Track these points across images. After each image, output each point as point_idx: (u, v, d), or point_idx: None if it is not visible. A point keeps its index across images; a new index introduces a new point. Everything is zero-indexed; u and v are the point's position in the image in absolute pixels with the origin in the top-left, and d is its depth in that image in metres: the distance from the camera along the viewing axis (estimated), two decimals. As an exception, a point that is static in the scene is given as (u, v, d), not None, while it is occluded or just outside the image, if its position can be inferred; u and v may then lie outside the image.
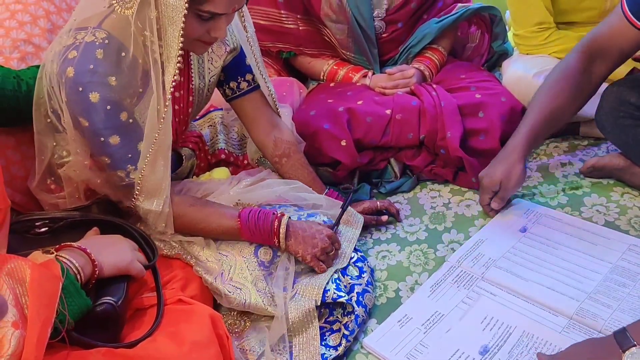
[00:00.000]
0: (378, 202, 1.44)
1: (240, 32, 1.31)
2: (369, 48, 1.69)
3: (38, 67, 1.19)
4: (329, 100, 1.56)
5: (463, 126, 1.50)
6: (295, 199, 1.34)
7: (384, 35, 1.70)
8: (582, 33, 1.65)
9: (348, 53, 1.73)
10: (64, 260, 0.89)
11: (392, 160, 1.57)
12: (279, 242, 1.18)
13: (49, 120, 1.18)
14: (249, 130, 1.43)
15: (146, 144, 1.11)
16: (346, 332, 1.14)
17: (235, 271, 1.21)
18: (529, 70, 1.58)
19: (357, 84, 1.69)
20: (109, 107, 1.06)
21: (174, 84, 1.07)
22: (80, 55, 1.05)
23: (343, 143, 1.48)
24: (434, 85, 1.60)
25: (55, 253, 0.89)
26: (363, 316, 1.18)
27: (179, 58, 1.06)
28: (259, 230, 1.19)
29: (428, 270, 1.29)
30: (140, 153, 1.12)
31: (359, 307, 1.17)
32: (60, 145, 1.21)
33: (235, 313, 1.22)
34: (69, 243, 0.93)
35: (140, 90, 1.11)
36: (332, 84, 1.71)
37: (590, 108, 1.40)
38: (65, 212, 1.17)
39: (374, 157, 1.55)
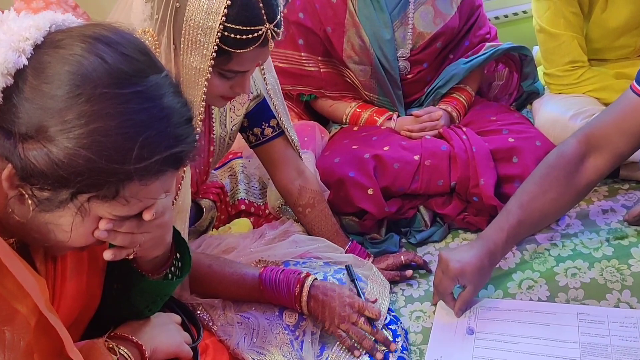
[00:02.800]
0: (402, 257, 1.36)
1: (263, 82, 1.26)
2: (393, 90, 1.63)
3: None
4: (354, 147, 1.49)
5: (496, 172, 1.42)
6: (320, 254, 1.27)
7: (408, 76, 1.64)
8: (616, 70, 1.60)
9: (371, 95, 1.67)
10: (123, 356, 0.87)
11: (421, 208, 1.49)
12: (300, 308, 1.10)
13: None
14: (272, 177, 1.37)
15: None
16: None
17: (259, 335, 1.13)
18: (565, 113, 1.50)
19: (382, 127, 1.62)
20: None
21: (202, 155, 1.01)
22: None
23: (370, 192, 1.41)
24: (464, 128, 1.53)
25: (114, 346, 0.87)
26: None
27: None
28: (280, 294, 1.11)
29: (466, 332, 1.19)
30: None
31: None
32: None
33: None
34: (124, 334, 0.90)
35: None
36: (355, 128, 1.64)
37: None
38: None
39: (402, 206, 1.47)
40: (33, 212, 0.67)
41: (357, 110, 1.67)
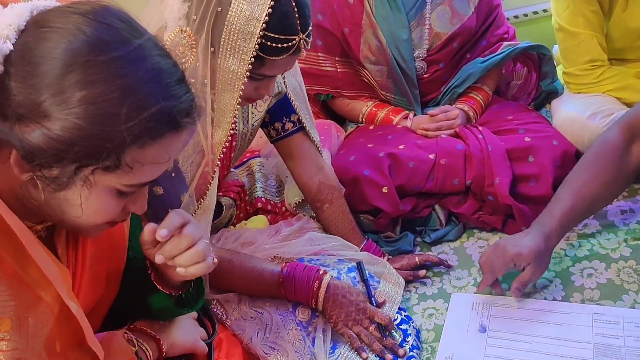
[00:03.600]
0: (416, 257, 1.36)
1: (282, 83, 1.29)
2: (410, 89, 1.63)
3: None
4: (369, 145, 1.50)
5: (512, 171, 1.41)
6: (335, 252, 1.29)
7: (425, 75, 1.65)
8: (638, 69, 1.57)
9: (388, 94, 1.67)
10: (141, 349, 0.89)
11: (436, 207, 1.49)
12: (316, 304, 1.12)
13: None
14: (292, 171, 1.39)
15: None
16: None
17: (272, 330, 1.15)
18: (583, 112, 1.48)
19: (398, 126, 1.63)
20: None
21: (224, 150, 1.03)
22: None
23: (384, 190, 1.42)
24: (480, 128, 1.52)
25: (133, 338, 0.89)
26: None
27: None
28: (298, 289, 1.13)
29: (479, 331, 1.19)
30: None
31: None
32: None
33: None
34: (142, 327, 0.93)
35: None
36: (371, 127, 1.65)
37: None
38: None
39: (417, 204, 1.47)
40: (46, 194, 0.69)
41: (374, 109, 1.67)
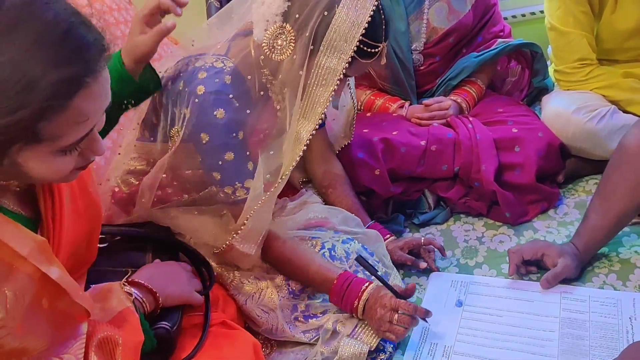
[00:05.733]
0: (422, 239, 1.39)
1: None
2: (407, 79, 1.71)
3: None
4: (364, 130, 1.59)
5: (498, 160, 1.49)
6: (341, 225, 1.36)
7: (421, 67, 1.72)
8: (625, 70, 1.64)
9: (385, 84, 1.76)
10: (138, 300, 0.94)
11: (426, 191, 1.58)
12: (356, 314, 1.17)
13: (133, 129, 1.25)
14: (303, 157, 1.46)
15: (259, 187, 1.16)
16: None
17: (266, 295, 1.23)
18: (568, 107, 1.56)
19: (394, 114, 1.71)
20: (230, 125, 1.12)
21: (307, 142, 1.12)
22: (209, 76, 1.12)
23: (377, 172, 1.50)
24: (471, 118, 1.60)
25: (130, 290, 0.94)
26: (391, 352, 1.18)
27: None
28: (344, 300, 1.17)
29: (457, 304, 1.28)
30: (253, 177, 1.16)
31: (388, 345, 1.17)
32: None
33: (261, 337, 1.24)
34: (138, 280, 0.98)
35: (265, 127, 1.18)
36: (368, 114, 1.74)
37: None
38: (119, 227, 1.21)
39: (407, 188, 1.56)
40: None
41: (372, 97, 1.76)
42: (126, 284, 0.96)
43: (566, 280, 1.26)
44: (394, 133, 1.56)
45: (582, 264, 1.27)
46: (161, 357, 0.98)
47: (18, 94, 0.63)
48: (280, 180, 1.15)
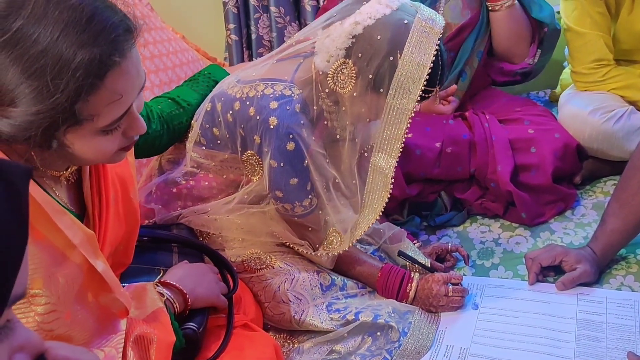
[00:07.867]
0: (449, 245, 1.42)
1: None
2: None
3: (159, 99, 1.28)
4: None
5: (514, 161, 1.50)
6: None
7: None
8: (643, 70, 1.63)
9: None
10: (169, 300, 0.97)
11: (442, 193, 1.58)
12: (407, 298, 1.26)
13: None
14: None
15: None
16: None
17: (299, 282, 1.26)
18: (585, 107, 1.55)
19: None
20: (299, 154, 1.17)
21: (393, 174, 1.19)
22: (281, 105, 1.15)
23: (392, 175, 1.51)
24: (487, 116, 1.60)
25: (162, 290, 0.97)
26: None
27: None
28: (388, 289, 1.27)
29: (473, 306, 1.29)
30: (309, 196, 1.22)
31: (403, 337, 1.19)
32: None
33: (283, 335, 1.27)
34: (169, 282, 1.01)
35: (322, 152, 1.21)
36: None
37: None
38: (149, 228, 1.24)
39: (423, 189, 1.57)
40: (47, 155, 0.76)
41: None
42: (158, 284, 0.99)
43: (583, 283, 1.26)
44: (409, 135, 1.56)
45: (600, 268, 1.27)
46: (186, 357, 1.00)
47: (54, 79, 0.67)
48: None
